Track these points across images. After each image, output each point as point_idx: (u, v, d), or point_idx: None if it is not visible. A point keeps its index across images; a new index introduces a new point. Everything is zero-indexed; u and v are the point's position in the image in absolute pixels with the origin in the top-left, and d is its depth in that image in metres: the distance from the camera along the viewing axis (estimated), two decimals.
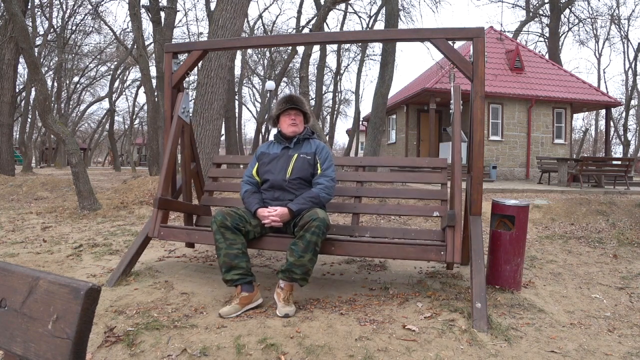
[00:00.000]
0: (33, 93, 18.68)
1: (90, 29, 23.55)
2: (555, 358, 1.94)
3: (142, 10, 14.22)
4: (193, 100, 6.93)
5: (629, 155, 23.41)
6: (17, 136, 20.65)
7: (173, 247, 4.04)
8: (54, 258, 3.61)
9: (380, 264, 3.56)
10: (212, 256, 3.74)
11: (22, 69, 19.42)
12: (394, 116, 17.15)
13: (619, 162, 10.58)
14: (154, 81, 14.53)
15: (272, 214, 2.56)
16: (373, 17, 21.00)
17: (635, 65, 25.17)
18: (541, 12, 21.37)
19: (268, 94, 20.15)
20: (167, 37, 13.45)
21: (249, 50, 24.30)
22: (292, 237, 2.52)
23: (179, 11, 17.48)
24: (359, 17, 26.28)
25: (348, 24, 24.53)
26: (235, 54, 9.99)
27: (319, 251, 2.47)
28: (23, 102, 21.38)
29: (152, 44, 17.38)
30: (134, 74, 31.25)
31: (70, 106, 29.89)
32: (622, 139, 24.28)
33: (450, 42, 2.89)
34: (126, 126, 38.18)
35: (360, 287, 2.91)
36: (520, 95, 13.74)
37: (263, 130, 24.61)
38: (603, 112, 17.58)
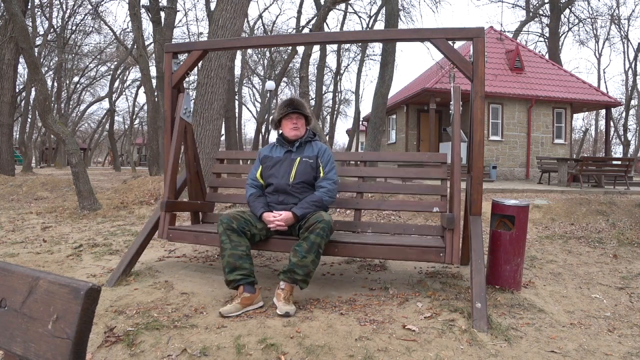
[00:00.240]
0: (33, 93, 18.69)
1: (90, 29, 23.59)
2: (555, 358, 1.94)
3: (142, 10, 14.24)
4: (193, 100, 6.93)
5: (629, 155, 23.41)
6: (17, 136, 20.65)
7: (173, 247, 4.04)
8: (54, 258, 3.61)
9: (380, 264, 3.56)
10: (212, 256, 3.74)
11: (22, 69, 19.44)
12: (394, 116, 17.15)
13: (619, 162, 10.57)
14: (154, 81, 14.54)
15: (278, 218, 2.64)
16: (373, 17, 21.01)
17: (635, 65, 25.18)
18: (541, 12, 21.37)
19: (268, 94, 20.16)
20: (167, 37, 13.45)
21: (249, 50, 24.30)
22: (297, 239, 2.58)
23: (179, 11, 17.50)
24: (359, 17, 26.29)
25: (348, 24, 24.56)
26: (235, 54, 9.98)
27: (321, 253, 2.52)
28: (23, 102, 21.38)
29: (152, 44, 17.40)
30: (134, 74, 31.29)
31: (70, 106, 29.89)
32: (622, 139, 24.28)
33: (450, 42, 2.89)
34: (126, 126, 38.20)
35: (360, 287, 2.92)
36: (520, 95, 13.73)
37: (263, 130, 24.60)
38: (603, 112, 17.58)
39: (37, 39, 17.20)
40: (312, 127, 3.06)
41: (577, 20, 23.08)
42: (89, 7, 20.34)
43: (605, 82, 42.65)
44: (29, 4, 13.56)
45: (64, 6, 21.22)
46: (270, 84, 18.21)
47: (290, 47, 15.80)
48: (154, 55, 17.08)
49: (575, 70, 39.96)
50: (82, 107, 32.60)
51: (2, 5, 9.58)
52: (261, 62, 29.39)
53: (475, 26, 2.92)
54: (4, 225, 5.24)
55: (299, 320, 2.28)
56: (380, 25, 21.15)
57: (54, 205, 7.09)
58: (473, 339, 2.06)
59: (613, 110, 18.64)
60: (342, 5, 18.95)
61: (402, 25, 15.21)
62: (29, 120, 23.00)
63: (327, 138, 25.28)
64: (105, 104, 29.21)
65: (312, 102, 18.65)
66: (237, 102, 23.16)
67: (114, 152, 26.36)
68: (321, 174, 2.83)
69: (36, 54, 10.10)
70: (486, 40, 11.16)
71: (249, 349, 1.96)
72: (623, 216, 5.35)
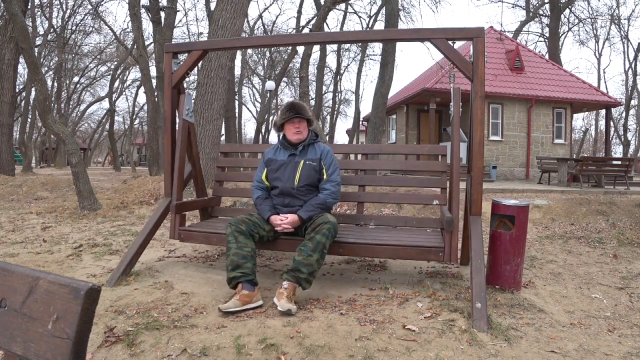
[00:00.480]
0: (33, 93, 18.68)
1: (90, 29, 23.59)
2: (555, 358, 1.94)
3: (142, 10, 14.23)
4: (193, 100, 6.92)
5: (629, 155, 23.41)
6: (17, 136, 20.64)
7: (173, 247, 4.04)
8: (54, 258, 3.61)
9: (380, 263, 3.56)
10: (212, 256, 3.74)
11: (22, 69, 19.43)
12: (394, 116, 17.15)
13: (619, 162, 10.57)
14: (154, 81, 14.53)
15: (284, 221, 2.75)
16: (373, 17, 21.02)
17: (635, 65, 25.18)
18: (541, 12, 21.37)
19: (268, 94, 20.15)
20: (167, 37, 13.45)
21: (249, 50, 24.30)
22: (303, 239, 2.69)
23: (179, 11, 17.49)
24: (359, 17, 26.29)
25: (348, 24, 24.56)
26: (235, 54, 9.99)
27: (326, 254, 2.62)
28: (23, 102, 21.37)
29: (152, 44, 17.38)
30: (134, 74, 31.29)
31: (70, 106, 29.88)
32: (622, 139, 24.28)
33: (450, 42, 2.90)
34: (126, 126, 38.20)
35: (360, 287, 2.92)
36: (520, 95, 13.73)
37: (263, 130, 24.60)
38: (603, 112, 17.57)
39: (37, 39, 17.20)
40: (313, 128, 3.09)
41: (577, 20, 23.10)
42: (89, 7, 20.37)
43: (605, 82, 42.68)
44: (29, 4, 13.56)
45: (64, 6, 21.25)
46: (270, 84, 18.21)
47: (290, 47, 15.80)
48: (154, 55, 17.07)
49: (575, 70, 40.00)
50: (82, 107, 32.63)
51: (2, 5, 9.57)
52: (261, 62, 29.40)
53: (475, 26, 2.92)
54: (4, 225, 5.24)
55: (299, 320, 2.28)
56: (380, 25, 21.16)
57: (54, 205, 7.09)
58: (473, 339, 2.06)
59: (613, 110, 18.63)
60: (342, 5, 18.97)
61: (402, 25, 15.21)
62: (29, 120, 23.00)
63: (327, 138, 25.27)
64: (105, 104, 29.25)
65: (312, 102, 18.65)
66: (237, 102, 23.15)
67: (114, 152, 26.36)
68: (324, 176, 2.92)
69: (36, 54, 10.10)
70: (486, 40, 11.16)
71: (249, 349, 1.96)
72: (623, 216, 5.35)
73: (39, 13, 18.72)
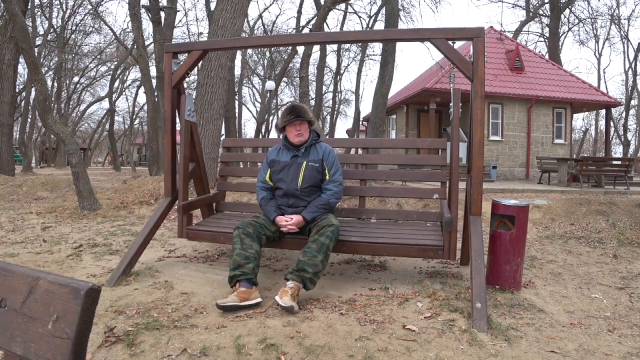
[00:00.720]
0: (33, 93, 18.68)
1: (90, 29, 23.56)
2: (555, 358, 1.94)
3: (142, 10, 14.23)
4: (194, 100, 6.92)
5: (629, 155, 23.41)
6: (17, 136, 20.64)
7: (173, 247, 4.04)
8: (54, 258, 3.61)
9: (380, 263, 3.56)
10: (212, 256, 3.74)
11: (22, 69, 19.45)
12: (394, 116, 17.15)
13: (619, 162, 10.56)
14: (154, 81, 14.53)
15: (289, 222, 2.86)
16: (373, 17, 20.99)
17: (635, 65, 25.17)
18: (541, 12, 21.36)
19: (268, 94, 20.14)
20: (167, 37, 13.44)
21: (249, 50, 24.28)
22: (307, 237, 2.79)
23: (179, 11, 17.48)
24: (359, 17, 26.26)
25: (348, 24, 24.55)
26: (235, 54, 9.98)
27: (329, 255, 2.68)
28: (23, 102, 21.35)
29: (152, 44, 17.38)
30: (134, 74, 31.26)
31: (70, 106, 29.86)
32: (622, 139, 24.27)
33: (450, 42, 2.90)
34: (126, 126, 38.18)
35: (360, 287, 2.92)
36: (520, 95, 13.73)
37: (263, 130, 24.59)
38: (603, 112, 17.56)
39: (37, 39, 17.20)
40: (314, 128, 3.11)
41: (577, 20, 23.08)
42: (89, 7, 20.33)
43: (605, 82, 42.66)
44: (29, 4, 13.56)
45: (64, 6, 21.22)
46: (270, 84, 18.19)
47: (290, 47, 15.79)
48: (154, 55, 17.07)
49: (575, 70, 40.00)
50: (82, 107, 32.60)
51: (2, 5, 9.57)
52: (261, 62, 29.38)
53: (475, 26, 2.92)
54: (4, 225, 5.24)
55: (299, 320, 2.28)
56: (380, 25, 21.15)
57: (54, 205, 7.09)
58: (473, 339, 2.06)
59: (613, 110, 18.62)
60: (342, 5, 18.95)
61: (402, 25, 15.20)
62: (29, 120, 22.99)
63: (327, 138, 25.22)
64: (105, 104, 29.24)
65: (312, 102, 18.65)
66: (237, 102, 23.14)
67: (114, 152, 26.36)
68: (327, 177, 3.01)
69: (36, 54, 10.09)
70: (486, 40, 11.16)
71: (249, 349, 1.96)
72: (623, 216, 5.35)
73: (39, 13, 18.71)
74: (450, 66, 3.08)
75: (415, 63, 63.05)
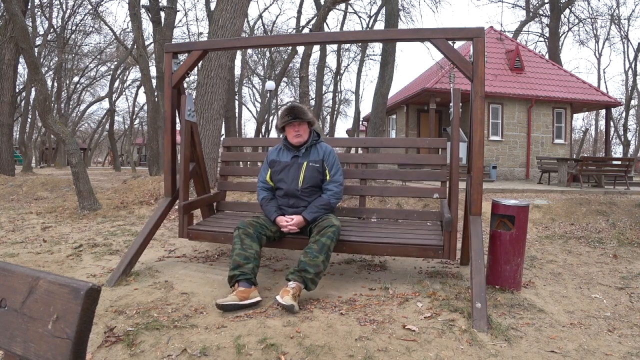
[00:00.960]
0: (33, 93, 18.67)
1: (90, 29, 23.55)
2: (555, 358, 1.94)
3: (142, 10, 14.23)
4: (194, 100, 6.92)
5: (629, 155, 23.40)
6: (17, 136, 20.64)
7: (173, 247, 4.04)
8: (54, 258, 3.61)
9: (380, 263, 3.56)
10: (212, 256, 3.74)
11: (22, 69, 19.44)
12: (394, 116, 17.15)
13: (619, 162, 10.56)
14: (154, 81, 14.53)
15: (290, 223, 2.86)
16: (373, 17, 20.98)
17: (635, 65, 25.17)
18: (541, 12, 21.36)
19: (268, 94, 20.14)
20: (167, 37, 13.43)
21: (249, 50, 24.28)
22: (307, 237, 2.79)
23: (179, 11, 17.48)
24: (359, 17, 26.26)
25: (348, 24, 24.54)
26: (235, 54, 9.98)
27: (330, 255, 2.69)
28: (23, 102, 21.35)
29: (152, 44, 17.38)
30: (134, 74, 31.26)
31: (70, 106, 29.85)
32: (622, 139, 24.27)
33: (450, 42, 2.90)
34: (126, 126, 38.17)
35: (360, 287, 2.92)
36: (520, 95, 13.72)
37: (263, 130, 24.59)
38: (603, 112, 17.56)
39: (37, 39, 17.20)
40: (314, 128, 3.11)
41: (577, 20, 23.09)
42: (89, 7, 20.33)
43: (605, 82, 42.65)
44: (29, 4, 13.55)
45: (64, 6, 21.22)
46: (270, 84, 18.19)
47: (290, 47, 15.79)
48: (154, 55, 17.07)
49: (575, 70, 39.99)
50: (82, 107, 32.60)
51: (2, 5, 9.57)
52: (261, 62, 29.37)
53: (475, 26, 2.92)
54: (4, 225, 5.24)
55: (299, 320, 2.28)
56: (380, 25, 21.14)
57: (54, 205, 7.09)
58: (473, 339, 2.06)
59: (613, 110, 18.62)
60: (342, 5, 18.95)
61: (402, 25, 15.20)
62: (29, 120, 22.99)
63: (327, 138, 25.20)
64: (105, 104, 29.24)
65: (312, 102, 18.65)
66: (237, 102, 23.14)
67: (114, 152, 26.36)
68: (327, 177, 3.00)
69: (36, 54, 10.09)
70: (486, 40, 11.15)
71: (249, 349, 1.96)
72: (623, 216, 5.35)
73: (39, 13, 18.71)
74: (450, 66, 3.08)
75: (415, 63, 63.06)
